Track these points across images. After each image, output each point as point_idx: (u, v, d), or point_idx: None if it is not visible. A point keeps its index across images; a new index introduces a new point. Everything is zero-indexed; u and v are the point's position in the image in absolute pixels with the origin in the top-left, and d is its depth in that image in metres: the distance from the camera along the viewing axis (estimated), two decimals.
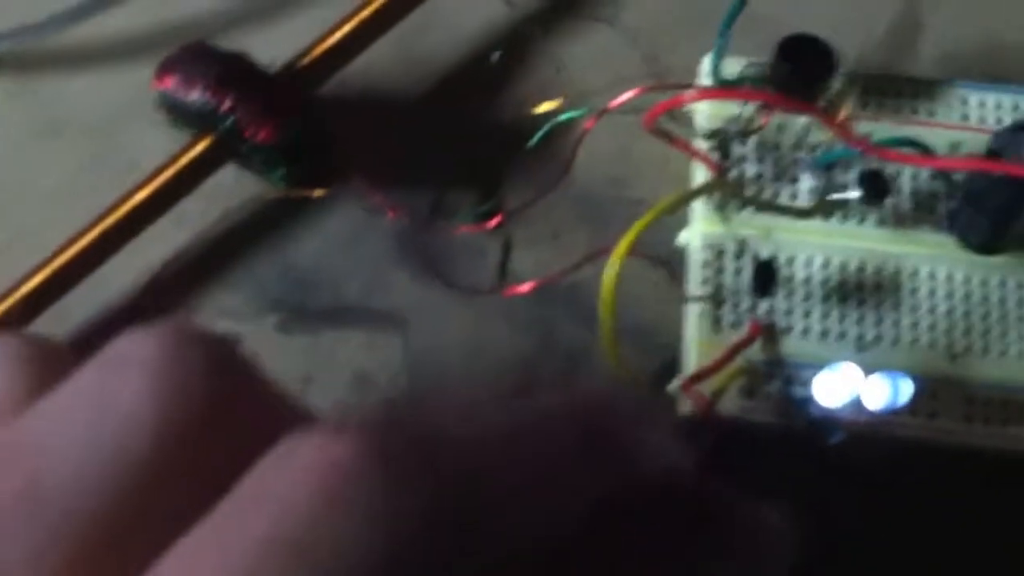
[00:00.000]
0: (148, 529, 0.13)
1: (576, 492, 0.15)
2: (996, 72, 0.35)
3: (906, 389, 0.29)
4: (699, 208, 0.32)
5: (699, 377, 0.29)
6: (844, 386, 0.29)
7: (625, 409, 0.17)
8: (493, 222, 0.32)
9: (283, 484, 0.13)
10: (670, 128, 0.32)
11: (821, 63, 0.30)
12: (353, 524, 0.13)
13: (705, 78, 0.33)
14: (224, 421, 0.15)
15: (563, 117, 0.32)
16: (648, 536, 0.16)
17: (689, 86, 0.31)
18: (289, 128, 0.30)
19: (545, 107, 0.33)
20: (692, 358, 0.31)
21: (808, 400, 0.30)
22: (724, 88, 0.32)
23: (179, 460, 0.14)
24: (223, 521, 0.13)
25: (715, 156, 0.32)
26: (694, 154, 0.31)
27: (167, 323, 0.15)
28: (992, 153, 0.29)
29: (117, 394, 0.14)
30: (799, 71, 0.30)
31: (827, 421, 0.29)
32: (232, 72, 0.30)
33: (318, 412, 0.18)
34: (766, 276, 0.30)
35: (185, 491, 0.14)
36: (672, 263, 0.32)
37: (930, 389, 0.31)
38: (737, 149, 0.33)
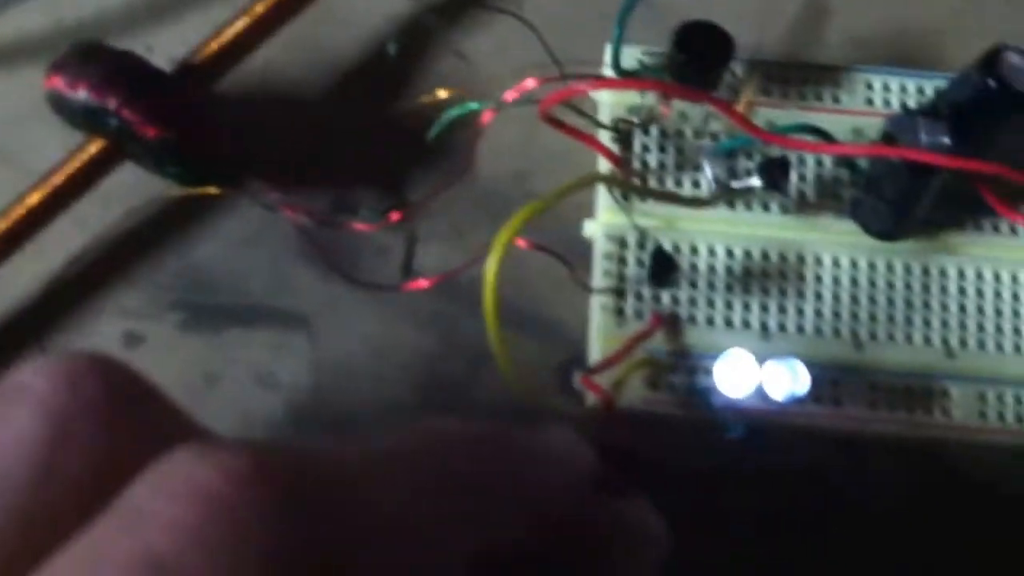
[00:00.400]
0: (32, 551, 0.14)
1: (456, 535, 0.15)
2: (903, 57, 0.34)
3: (803, 375, 0.29)
4: (602, 199, 0.32)
5: (598, 369, 0.29)
6: (740, 374, 0.29)
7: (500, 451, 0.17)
8: (395, 218, 0.32)
9: (154, 504, 0.14)
10: (577, 119, 0.31)
11: (717, 51, 0.30)
12: (218, 549, 0.13)
13: (607, 68, 0.33)
14: (116, 445, 0.15)
15: (461, 110, 0.32)
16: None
17: (587, 76, 0.31)
18: (178, 126, 0.29)
19: (446, 99, 0.33)
20: (596, 351, 0.30)
21: (711, 391, 0.30)
22: (621, 78, 0.32)
23: (68, 484, 0.15)
24: (96, 537, 0.14)
25: (616, 147, 0.32)
26: (591, 144, 0.31)
27: (63, 354, 0.17)
28: (887, 137, 0.29)
29: (8, 424, 0.15)
30: (694, 59, 0.30)
31: (729, 412, 0.29)
32: (119, 71, 0.29)
33: (217, 420, 0.18)
34: (663, 266, 0.30)
35: (73, 512, 0.14)
36: (568, 257, 0.31)
37: (834, 377, 0.30)
38: (641, 139, 0.32)
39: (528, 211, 0.24)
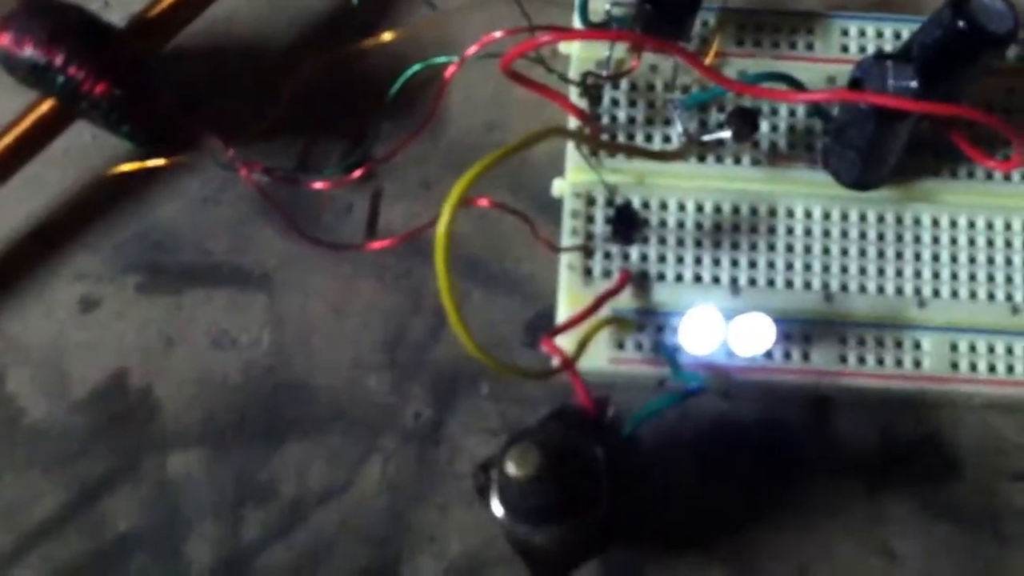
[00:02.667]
0: None
1: None
2: (879, 2, 0.33)
3: (769, 331, 0.28)
4: (571, 157, 0.31)
5: (561, 330, 0.29)
6: (706, 331, 0.28)
7: None
8: (358, 173, 0.31)
9: None
10: (548, 74, 0.31)
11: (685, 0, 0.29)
12: None
13: (575, 20, 0.32)
14: None
15: (423, 65, 0.31)
16: None
17: (551, 28, 0.30)
18: (128, 84, 0.29)
19: (409, 53, 0.32)
20: (563, 310, 0.30)
21: (677, 348, 0.29)
22: (587, 30, 0.31)
23: None
24: None
25: (584, 101, 0.31)
26: (556, 100, 0.30)
27: None
28: (855, 83, 0.28)
29: None
30: (662, 9, 0.29)
31: (694, 368, 0.29)
32: (67, 27, 0.29)
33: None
34: (627, 222, 0.29)
35: None
36: (544, 215, 0.31)
37: (805, 331, 0.30)
38: (610, 93, 0.32)
39: (478, 169, 0.23)
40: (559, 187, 0.31)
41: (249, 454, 0.30)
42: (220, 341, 0.31)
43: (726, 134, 0.30)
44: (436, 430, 0.30)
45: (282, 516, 0.30)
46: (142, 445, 0.30)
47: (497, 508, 0.24)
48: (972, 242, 0.31)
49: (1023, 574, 0.30)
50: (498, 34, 0.30)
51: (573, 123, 0.31)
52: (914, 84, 0.27)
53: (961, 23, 0.28)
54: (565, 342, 0.29)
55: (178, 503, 0.30)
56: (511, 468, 0.23)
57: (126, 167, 0.31)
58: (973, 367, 0.30)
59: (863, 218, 0.31)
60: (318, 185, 0.31)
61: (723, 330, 0.28)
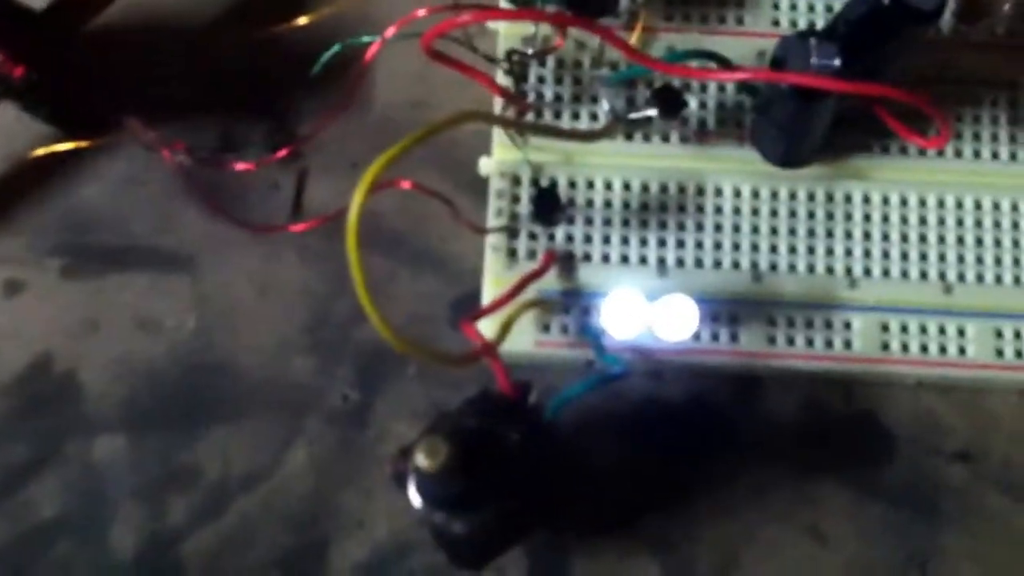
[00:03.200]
0: None
1: None
2: None
3: (692, 314, 0.28)
4: (497, 136, 0.31)
5: (483, 313, 0.28)
6: (628, 314, 0.28)
7: None
8: (282, 153, 0.31)
9: None
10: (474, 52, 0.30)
11: None
12: None
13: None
14: None
15: (344, 43, 0.31)
16: None
17: (472, 7, 0.29)
18: (46, 65, 0.28)
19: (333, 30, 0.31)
20: (488, 291, 0.30)
21: (602, 330, 0.29)
22: (513, 8, 0.30)
23: None
24: None
25: (510, 79, 0.31)
26: (479, 79, 0.29)
27: None
28: (776, 62, 0.27)
29: None
30: None
31: (618, 351, 0.28)
32: None
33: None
34: (547, 204, 0.29)
35: None
36: (460, 195, 0.30)
37: (732, 311, 0.29)
38: (536, 70, 0.31)
39: (382, 161, 0.23)
40: (486, 165, 0.30)
41: (174, 438, 0.30)
42: (144, 324, 0.31)
43: (652, 112, 0.29)
44: (362, 412, 0.30)
45: (207, 500, 0.30)
46: (66, 429, 0.30)
47: (413, 497, 0.24)
48: (904, 220, 0.30)
49: (957, 554, 0.29)
50: (421, 12, 0.29)
51: (499, 102, 0.30)
52: (837, 62, 0.27)
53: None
54: (487, 325, 0.28)
55: (102, 488, 0.30)
56: (420, 460, 0.22)
57: (47, 149, 0.31)
58: (905, 347, 0.30)
59: (793, 196, 0.30)
60: (241, 166, 0.31)
61: (646, 313, 0.28)
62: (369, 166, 0.28)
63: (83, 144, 0.31)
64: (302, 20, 0.32)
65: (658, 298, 0.29)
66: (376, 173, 0.23)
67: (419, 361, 0.30)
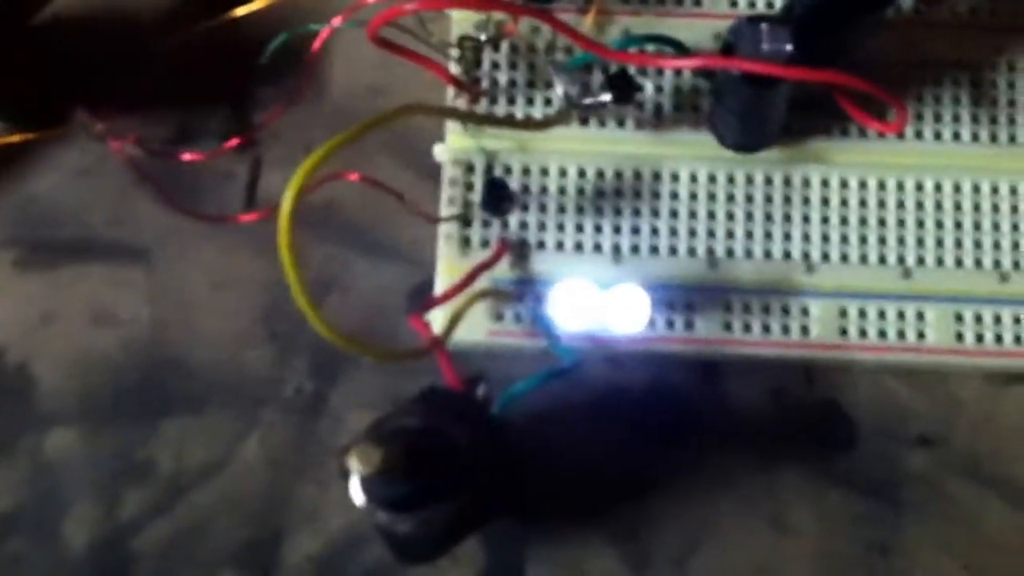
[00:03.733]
0: None
1: None
2: None
3: (644, 304, 0.28)
4: (450, 123, 0.30)
5: (434, 304, 0.28)
6: (579, 303, 0.28)
7: None
8: (234, 143, 0.31)
9: None
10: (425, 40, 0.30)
11: None
12: None
13: None
14: None
15: (293, 32, 0.30)
16: None
17: None
18: None
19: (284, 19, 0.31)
20: (441, 280, 0.29)
21: (554, 320, 0.29)
22: None
23: None
24: None
25: (463, 66, 0.30)
26: (429, 67, 0.29)
27: None
28: (727, 47, 0.27)
29: None
30: None
31: (570, 340, 0.28)
32: None
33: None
34: (497, 193, 0.29)
35: None
36: (416, 183, 0.31)
37: (688, 299, 0.29)
38: (490, 56, 0.31)
39: (323, 152, 0.22)
40: (440, 153, 0.30)
41: (128, 431, 0.30)
42: (99, 317, 0.31)
43: (607, 98, 0.29)
44: (317, 403, 0.30)
45: (161, 494, 0.30)
46: (18, 423, 0.30)
47: (357, 496, 0.24)
48: (863, 203, 0.30)
49: (920, 541, 0.29)
50: (369, 0, 0.29)
51: (451, 90, 0.30)
52: (789, 48, 0.26)
53: None
54: (439, 316, 0.28)
55: (55, 483, 0.30)
56: (355, 467, 0.22)
57: (7, 130, 0.31)
58: (863, 333, 0.29)
59: (750, 180, 0.30)
60: (192, 156, 0.30)
61: (597, 303, 0.28)
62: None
63: (36, 136, 0.30)
64: (259, 5, 0.31)
65: (612, 286, 0.28)
66: (303, 178, 0.22)
67: None
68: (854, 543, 0.29)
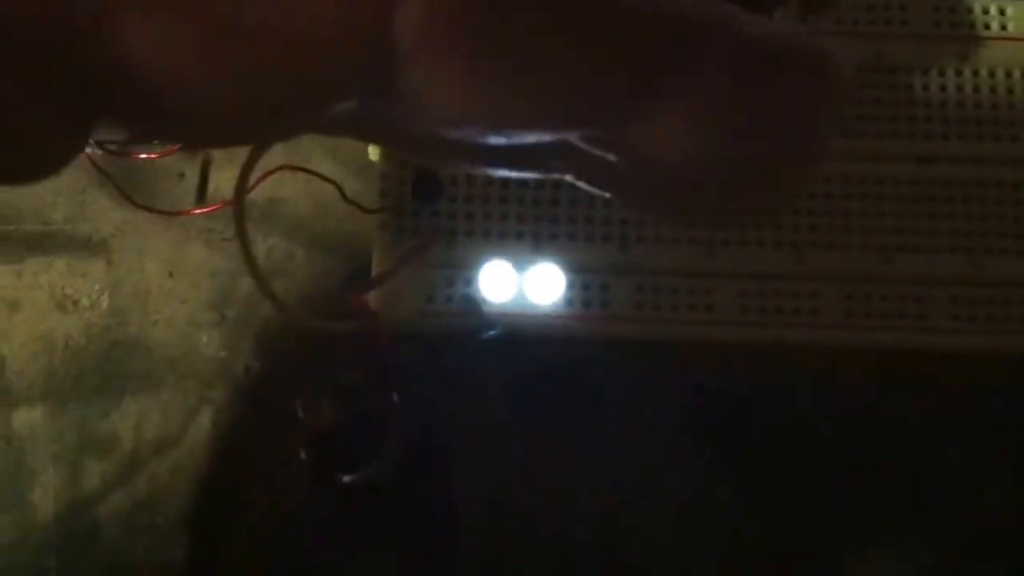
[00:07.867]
0: None
1: None
2: None
3: (559, 280, 0.30)
4: None
5: (368, 288, 0.31)
6: (501, 283, 0.30)
7: None
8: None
9: None
10: None
11: None
12: None
13: None
14: None
15: None
16: None
17: None
18: None
19: None
20: (376, 268, 0.32)
21: (481, 301, 0.31)
22: None
23: None
24: None
25: None
26: None
27: None
28: None
29: None
30: None
31: (494, 318, 0.31)
32: None
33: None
34: (426, 184, 0.31)
35: None
36: (351, 178, 0.33)
37: (602, 281, 0.32)
38: None
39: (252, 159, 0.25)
40: (372, 151, 0.33)
41: (89, 409, 0.32)
42: (62, 303, 0.33)
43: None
44: (265, 382, 0.33)
45: (121, 466, 0.32)
46: None
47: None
48: None
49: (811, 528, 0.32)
50: None
51: None
52: None
53: None
54: (374, 299, 0.31)
55: (22, 456, 0.32)
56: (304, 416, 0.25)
57: None
58: (762, 311, 0.32)
59: None
60: (147, 156, 0.33)
61: (518, 282, 0.31)
62: (270, 150, 0.31)
63: None
64: None
65: (530, 268, 0.31)
66: (247, 173, 0.25)
67: (314, 333, 0.32)
68: (738, 524, 0.32)
